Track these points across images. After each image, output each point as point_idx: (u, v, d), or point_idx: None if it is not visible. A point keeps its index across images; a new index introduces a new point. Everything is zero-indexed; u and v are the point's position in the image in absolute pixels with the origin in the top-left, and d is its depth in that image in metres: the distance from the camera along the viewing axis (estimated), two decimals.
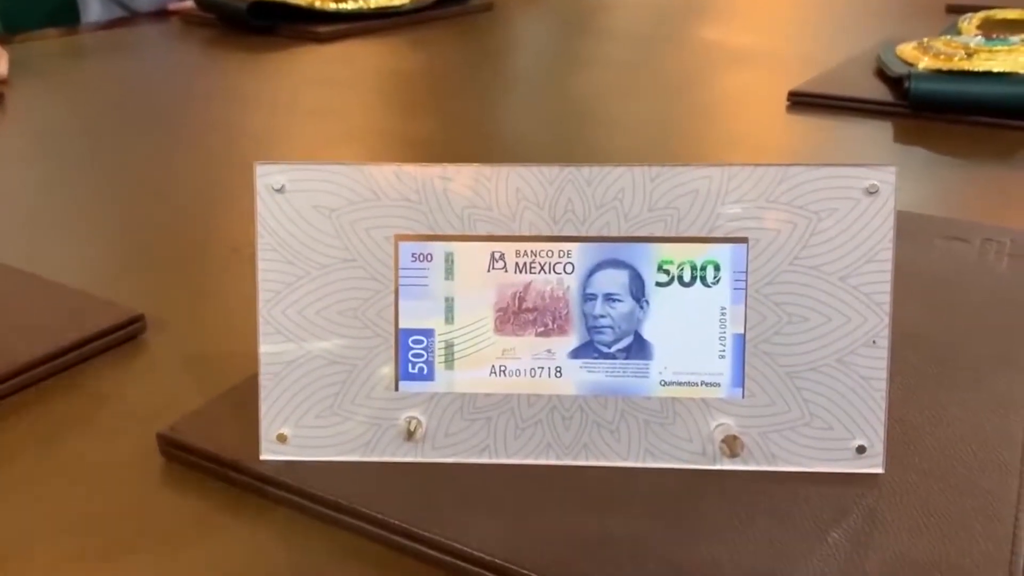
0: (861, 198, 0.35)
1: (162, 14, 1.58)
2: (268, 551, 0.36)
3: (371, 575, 0.34)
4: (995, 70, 0.92)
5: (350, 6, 1.43)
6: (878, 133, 0.91)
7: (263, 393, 0.38)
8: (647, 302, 0.36)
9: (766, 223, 0.36)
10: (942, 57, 0.99)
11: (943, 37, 1.07)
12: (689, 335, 0.36)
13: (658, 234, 0.36)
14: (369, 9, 1.44)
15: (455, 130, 0.97)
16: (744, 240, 0.36)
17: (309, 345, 0.37)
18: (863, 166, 0.35)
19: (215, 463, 0.39)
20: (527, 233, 0.36)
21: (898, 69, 0.99)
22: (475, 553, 0.33)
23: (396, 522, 0.35)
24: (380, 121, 1.04)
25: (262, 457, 0.38)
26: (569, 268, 0.36)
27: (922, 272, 0.55)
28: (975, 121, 0.90)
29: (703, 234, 0.36)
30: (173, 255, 0.64)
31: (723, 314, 0.36)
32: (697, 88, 1.13)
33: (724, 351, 0.36)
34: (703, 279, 0.36)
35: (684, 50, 1.35)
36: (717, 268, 0.36)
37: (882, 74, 1.03)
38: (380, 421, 0.37)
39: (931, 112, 0.91)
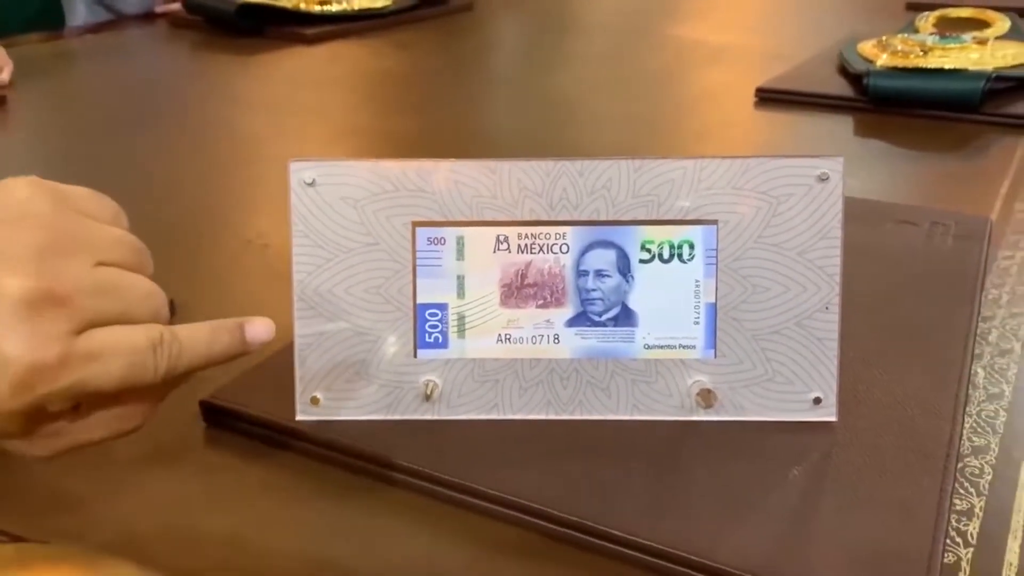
0: (814, 184, 0.41)
1: (149, 17, 1.61)
2: (304, 499, 0.41)
3: (394, 520, 0.40)
4: (946, 67, 0.98)
5: (335, 8, 1.48)
6: (840, 126, 0.98)
7: (298, 362, 0.43)
8: (632, 277, 0.42)
9: (733, 207, 0.41)
10: (899, 54, 1.06)
11: (900, 35, 1.14)
12: (668, 305, 0.42)
13: (641, 218, 0.42)
14: (353, 11, 1.49)
15: (439, 127, 1.02)
16: (714, 222, 0.41)
17: (338, 319, 0.42)
18: (815, 157, 0.41)
19: (255, 424, 0.44)
20: (528, 218, 0.42)
21: (858, 66, 1.06)
22: (485, 490, 0.39)
23: (417, 467, 0.40)
24: (367, 119, 1.09)
25: (298, 418, 0.43)
26: (564, 248, 0.42)
27: (875, 251, 0.61)
28: (929, 115, 0.96)
29: (679, 217, 0.42)
30: (190, 247, 0.69)
31: (697, 286, 0.42)
32: (671, 84, 1.19)
33: (698, 318, 0.42)
34: (680, 256, 0.42)
35: (659, 48, 1.41)
36: (692, 247, 0.42)
37: (844, 71, 1.09)
38: (401, 384, 0.43)
39: (889, 107, 0.98)
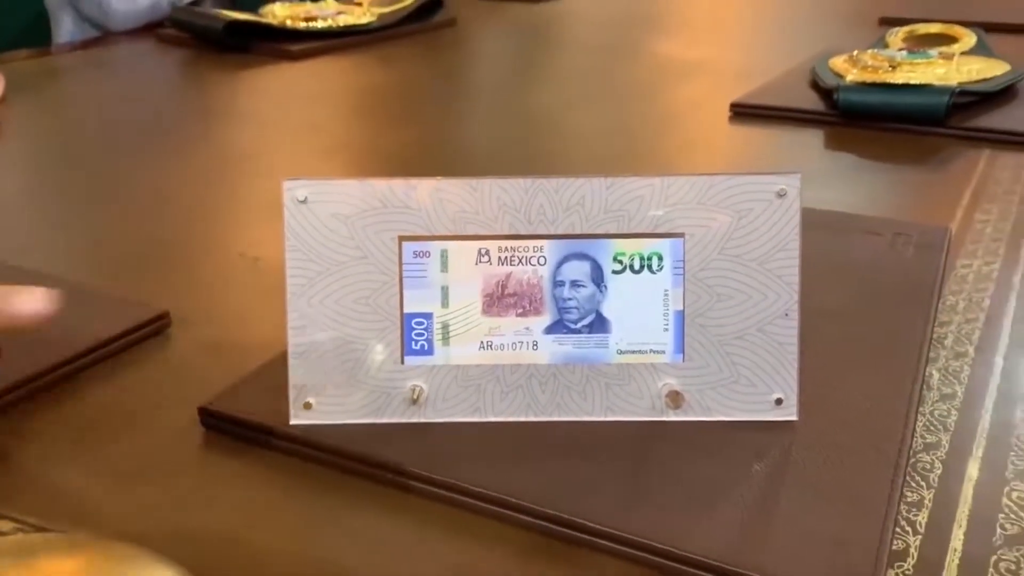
0: (773, 199, 0.44)
1: (135, 33, 1.63)
2: (298, 497, 0.44)
3: (383, 516, 0.42)
4: (913, 82, 1.02)
5: (320, 25, 1.50)
6: (812, 140, 1.01)
7: (291, 369, 0.45)
8: (605, 287, 0.45)
9: (698, 221, 0.44)
10: (869, 70, 1.09)
11: (870, 51, 1.17)
12: (639, 313, 0.45)
13: (613, 231, 0.45)
14: (338, 27, 1.51)
15: (424, 141, 1.05)
16: (681, 235, 0.44)
17: (329, 329, 0.45)
18: (774, 174, 0.44)
19: (251, 429, 0.47)
20: (507, 232, 0.45)
21: (830, 81, 1.09)
22: (469, 487, 0.41)
23: (405, 467, 0.43)
24: (352, 134, 1.12)
25: (292, 422, 0.46)
26: (542, 260, 0.45)
27: (840, 260, 0.64)
28: (897, 128, 0.99)
29: (649, 231, 0.45)
30: (183, 259, 0.72)
31: (666, 295, 0.45)
32: (648, 99, 1.23)
33: (667, 325, 0.45)
34: (649, 267, 0.45)
35: (637, 63, 1.44)
36: (660, 258, 0.45)
37: (816, 85, 1.13)
38: (389, 389, 0.45)
39: (858, 120, 1.01)
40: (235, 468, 0.46)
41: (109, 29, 1.65)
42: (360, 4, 1.64)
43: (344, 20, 1.54)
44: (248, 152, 1.01)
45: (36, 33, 1.82)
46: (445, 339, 0.45)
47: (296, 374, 0.45)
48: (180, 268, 0.70)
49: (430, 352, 0.45)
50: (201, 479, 0.45)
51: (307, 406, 0.46)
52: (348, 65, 1.43)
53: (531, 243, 0.45)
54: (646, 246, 0.45)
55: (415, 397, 0.45)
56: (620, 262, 0.45)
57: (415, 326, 0.45)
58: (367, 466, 0.44)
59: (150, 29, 1.61)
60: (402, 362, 0.45)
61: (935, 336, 0.57)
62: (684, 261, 0.45)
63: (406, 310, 0.45)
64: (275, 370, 0.49)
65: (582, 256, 0.45)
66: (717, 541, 0.38)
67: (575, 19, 1.89)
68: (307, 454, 0.45)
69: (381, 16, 1.59)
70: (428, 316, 0.45)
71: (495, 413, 0.46)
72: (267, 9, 1.57)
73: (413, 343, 0.45)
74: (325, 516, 0.43)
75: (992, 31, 1.51)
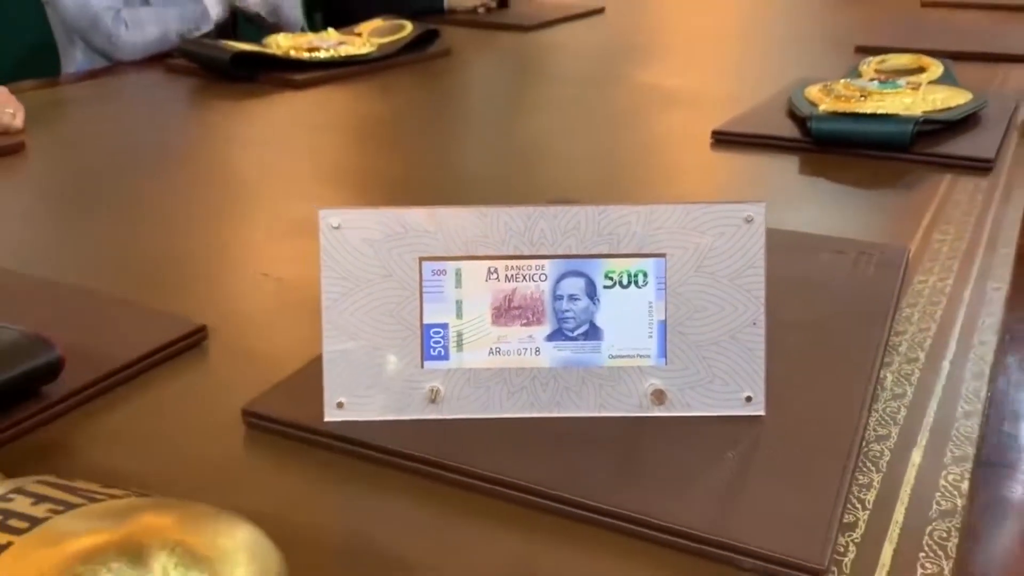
0: (742, 224, 0.51)
1: (144, 63, 1.70)
2: (332, 484, 0.50)
3: (407, 499, 0.49)
4: (880, 112, 1.09)
5: (322, 55, 1.58)
6: (788, 166, 1.09)
7: (326, 372, 0.52)
8: (598, 300, 0.52)
9: (678, 243, 0.51)
10: (841, 99, 1.17)
11: (843, 81, 1.25)
12: (627, 322, 0.52)
13: (604, 252, 0.52)
14: (340, 57, 1.59)
15: (421, 166, 1.12)
16: (663, 255, 0.51)
17: (358, 337, 0.52)
18: (743, 203, 0.51)
19: (289, 426, 0.53)
20: (513, 253, 0.52)
21: (805, 110, 1.17)
22: (481, 472, 0.48)
23: (425, 456, 0.50)
24: (353, 160, 1.19)
25: (326, 419, 0.52)
26: (543, 277, 0.52)
27: (808, 277, 0.71)
28: (866, 154, 1.07)
29: (635, 252, 0.52)
30: (210, 279, 0.78)
31: (650, 307, 0.52)
32: (633, 126, 1.30)
33: (652, 333, 0.52)
34: (636, 283, 0.52)
35: (623, 91, 1.52)
36: (645, 275, 0.52)
37: (792, 114, 1.20)
38: (410, 390, 0.52)
39: (830, 147, 1.09)
40: (275, 459, 0.53)
41: (119, 60, 1.72)
42: (360, 35, 1.71)
43: (345, 50, 1.61)
44: (256, 177, 1.07)
45: (41, 62, 1.89)
46: (459, 346, 0.52)
47: (330, 377, 0.52)
48: (207, 286, 0.77)
49: (446, 357, 0.52)
50: (246, 469, 0.52)
51: (339, 405, 0.52)
52: (349, 93, 1.50)
53: (534, 262, 0.52)
54: (633, 265, 0.52)
55: (433, 397, 0.52)
56: (611, 279, 0.52)
57: (433, 335, 0.52)
58: (392, 456, 0.51)
59: (159, 59, 1.68)
60: (422, 366, 0.52)
61: (890, 344, 0.64)
62: (666, 278, 0.52)
63: (425, 321, 0.52)
64: (306, 376, 0.56)
65: (578, 273, 0.52)
66: (694, 515, 0.45)
67: (563, 48, 1.97)
68: (339, 447, 0.52)
69: (380, 46, 1.66)
70: (444, 326, 0.52)
71: (503, 410, 0.52)
72: (271, 40, 1.64)
73: (431, 350, 0.52)
74: (356, 499, 0.49)
75: (960, 59, 1.59)
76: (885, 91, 1.18)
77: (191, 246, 0.85)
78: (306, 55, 1.58)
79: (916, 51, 1.53)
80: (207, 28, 1.74)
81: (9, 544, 0.30)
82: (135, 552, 0.30)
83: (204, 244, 0.86)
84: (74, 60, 1.80)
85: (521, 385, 0.52)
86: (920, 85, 1.23)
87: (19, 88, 1.48)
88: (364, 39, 1.68)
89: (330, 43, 1.63)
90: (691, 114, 1.33)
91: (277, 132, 1.29)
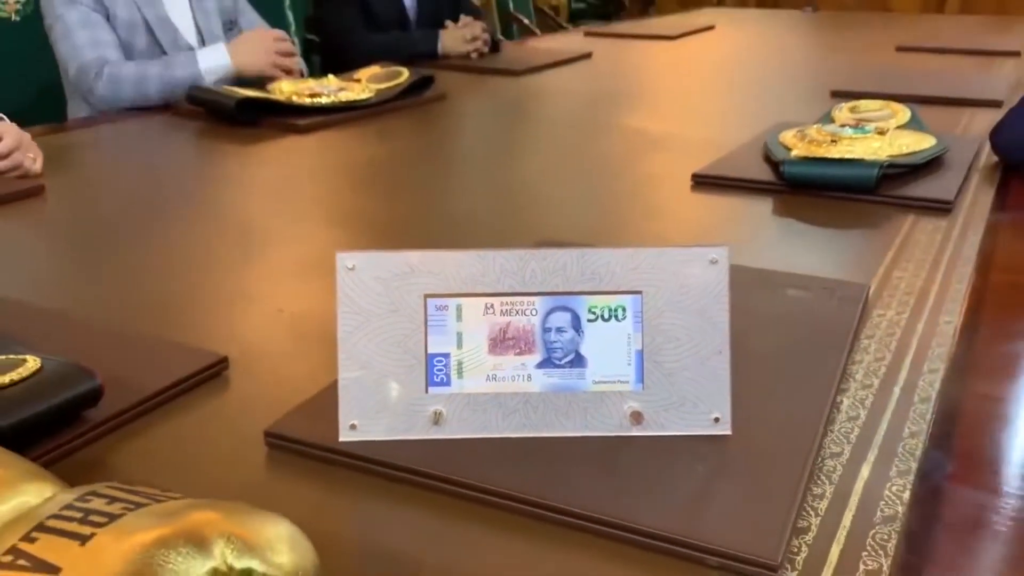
0: (708, 265, 0.58)
1: (150, 109, 1.76)
2: (348, 498, 0.57)
3: (414, 509, 0.55)
4: (848, 156, 1.17)
5: (324, 101, 1.66)
6: (762, 207, 1.16)
7: (341, 397, 0.59)
8: (583, 332, 0.59)
9: (652, 282, 0.58)
10: (813, 144, 1.25)
11: (816, 126, 1.33)
12: (609, 352, 0.59)
13: (588, 290, 0.58)
14: (340, 103, 1.67)
15: (418, 208, 1.19)
16: (639, 292, 0.58)
17: (370, 366, 0.59)
18: (708, 247, 0.58)
19: (308, 446, 0.60)
20: (507, 291, 0.58)
21: (779, 154, 1.25)
22: (479, 484, 0.55)
23: (429, 471, 0.56)
24: (356, 202, 1.26)
25: (340, 439, 0.59)
26: (534, 312, 0.59)
27: (774, 312, 0.78)
28: (834, 196, 1.15)
29: (615, 289, 0.58)
30: (229, 314, 0.85)
31: (629, 339, 0.59)
32: (619, 169, 1.38)
33: (630, 361, 0.59)
34: (616, 317, 0.59)
35: (609, 135, 1.60)
36: (624, 310, 0.59)
37: (768, 158, 1.28)
38: (416, 412, 0.59)
39: (802, 190, 1.16)
40: (295, 476, 0.59)
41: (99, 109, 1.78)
42: (359, 81, 1.79)
43: (345, 96, 1.69)
44: (264, 218, 1.14)
45: (46, 107, 1.96)
46: (460, 373, 0.59)
47: (344, 401, 0.59)
48: (226, 320, 0.83)
49: (448, 383, 0.59)
50: (269, 483, 0.58)
51: (353, 427, 0.59)
52: (349, 137, 1.58)
53: (525, 299, 0.59)
54: (613, 301, 0.59)
55: (436, 419, 0.59)
56: (594, 313, 0.59)
57: (436, 363, 0.59)
58: (401, 472, 0.57)
59: (166, 105, 1.75)
60: (426, 391, 0.59)
61: (848, 371, 0.71)
62: (642, 312, 0.59)
63: (429, 351, 0.59)
64: (321, 401, 0.62)
65: (564, 308, 0.59)
66: (668, 520, 0.51)
67: (552, 92, 2.06)
68: (353, 464, 0.58)
69: (378, 92, 1.74)
70: (446, 355, 0.59)
71: (499, 430, 0.59)
72: (274, 85, 1.72)
73: (435, 376, 0.59)
74: (369, 510, 0.56)
75: (929, 103, 1.69)
76: (855, 136, 1.26)
77: (208, 284, 0.92)
78: (308, 100, 1.65)
79: (888, 96, 1.62)
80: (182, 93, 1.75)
81: (92, 535, 0.36)
82: (198, 540, 0.36)
83: (220, 282, 0.93)
84: (81, 105, 1.87)
85: (515, 408, 0.59)
86: (887, 131, 1.32)
87: (30, 132, 1.56)
88: (363, 85, 1.76)
89: (331, 89, 1.71)
90: (673, 158, 1.41)
91: (282, 175, 1.37)
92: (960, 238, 1.02)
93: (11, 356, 0.64)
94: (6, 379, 0.60)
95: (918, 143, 1.27)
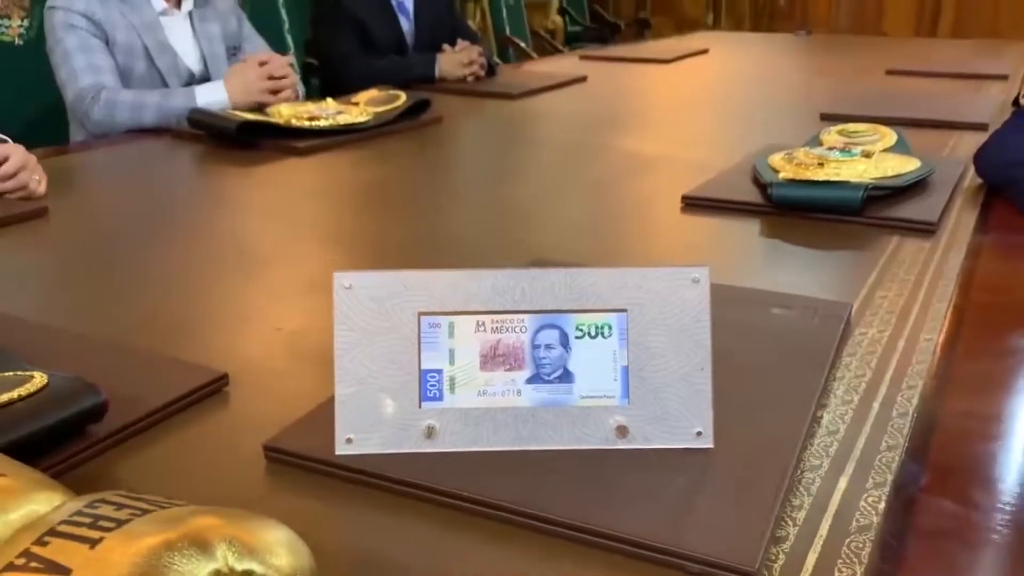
0: (690, 284, 0.60)
1: (151, 132, 1.79)
2: (343, 508, 0.59)
3: (409, 518, 0.57)
4: (833, 179, 1.20)
5: (323, 124, 1.69)
6: (750, 228, 1.19)
7: (337, 412, 0.61)
8: (570, 349, 0.61)
9: (637, 301, 0.61)
10: (801, 166, 1.27)
11: (803, 149, 1.36)
12: (595, 368, 0.61)
13: (575, 308, 0.61)
14: (339, 126, 1.70)
15: (415, 228, 1.22)
16: (625, 311, 0.61)
17: (366, 381, 0.61)
18: (691, 267, 0.61)
19: (306, 459, 0.62)
20: (498, 309, 0.61)
21: (767, 176, 1.27)
22: (470, 495, 0.57)
23: (422, 483, 0.58)
24: (353, 222, 1.28)
25: (337, 452, 0.61)
26: (524, 329, 0.61)
27: (758, 329, 0.81)
28: (821, 218, 1.17)
29: (601, 307, 0.61)
30: (231, 333, 0.87)
31: (614, 355, 0.61)
32: (612, 191, 1.41)
33: (616, 377, 0.61)
34: (602, 334, 0.61)
35: (602, 157, 1.63)
36: (610, 328, 0.61)
37: (756, 180, 1.31)
38: (410, 426, 0.61)
39: (789, 211, 1.19)
40: (293, 488, 0.61)
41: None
42: (357, 104, 1.82)
43: (343, 119, 1.72)
44: (263, 239, 1.17)
45: (49, 130, 1.98)
46: (452, 388, 0.61)
47: (341, 416, 0.61)
48: (226, 339, 0.86)
49: (440, 398, 0.61)
50: (268, 494, 0.61)
51: (349, 440, 0.61)
52: (347, 159, 1.61)
53: (516, 317, 0.61)
54: (599, 319, 0.61)
55: (429, 433, 0.61)
56: (581, 330, 0.61)
57: (429, 379, 0.61)
58: (395, 483, 0.59)
59: (168, 129, 1.78)
60: (419, 406, 0.61)
61: (829, 388, 0.73)
62: (627, 330, 0.61)
63: (423, 367, 0.61)
64: (318, 416, 0.65)
65: (553, 326, 0.61)
66: (649, 527, 0.54)
67: (547, 115, 2.09)
68: (348, 477, 0.61)
69: (376, 115, 1.77)
70: (439, 371, 0.61)
71: (490, 444, 0.61)
72: (273, 108, 1.75)
73: (428, 391, 0.61)
74: (365, 520, 0.58)
75: (917, 126, 1.72)
76: (841, 159, 1.29)
77: (208, 303, 0.94)
78: (307, 123, 1.68)
79: (876, 119, 1.65)
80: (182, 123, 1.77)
81: (101, 539, 0.39)
82: (202, 543, 0.38)
83: (220, 301, 0.95)
84: (82, 128, 1.90)
85: (505, 422, 0.61)
86: (873, 153, 1.35)
87: (40, 154, 1.58)
88: (361, 108, 1.79)
89: (329, 112, 1.74)
90: (664, 179, 1.44)
91: (281, 196, 1.39)
92: (943, 259, 1.05)
93: (18, 372, 0.66)
94: (14, 394, 0.62)
95: (903, 166, 1.30)
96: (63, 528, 0.39)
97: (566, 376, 0.61)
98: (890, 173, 1.26)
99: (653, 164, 1.55)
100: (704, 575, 0.51)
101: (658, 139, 1.81)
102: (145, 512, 0.41)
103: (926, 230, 1.13)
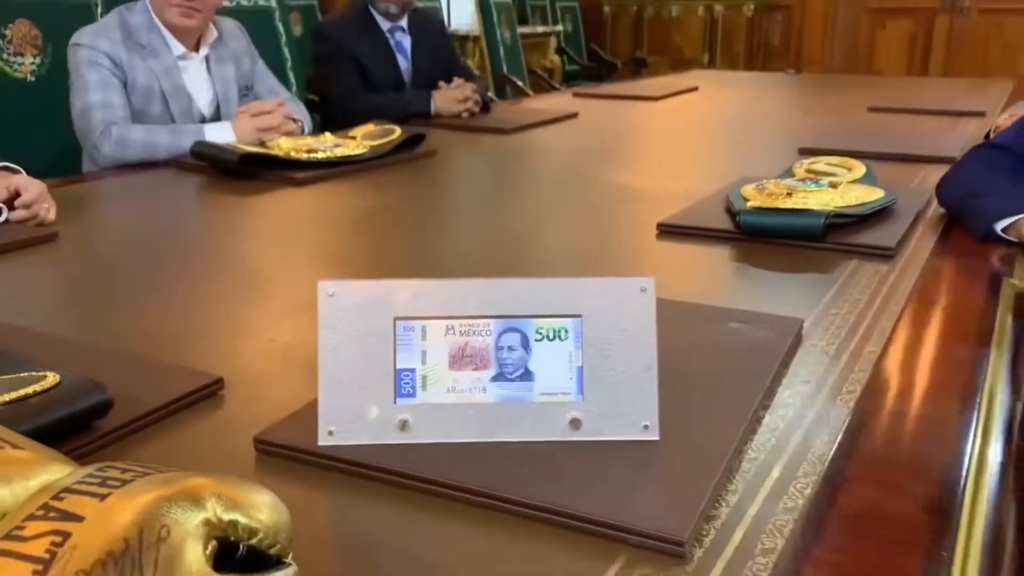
0: (639, 294, 0.67)
1: (157, 164, 1.87)
2: (324, 493, 0.65)
3: (386, 503, 0.64)
4: (798, 207, 1.27)
5: (321, 155, 1.77)
6: (720, 253, 1.26)
7: (320, 407, 0.68)
8: (531, 350, 0.68)
9: (591, 308, 0.68)
10: (770, 196, 1.35)
11: (774, 180, 1.44)
12: (553, 368, 0.68)
13: (535, 313, 0.68)
14: (336, 157, 1.78)
15: (409, 253, 1.29)
16: (580, 316, 0.68)
17: (346, 379, 0.68)
18: (639, 277, 0.68)
19: (292, 450, 0.68)
20: (466, 314, 0.68)
21: (737, 205, 1.35)
22: (441, 480, 0.63)
23: (396, 469, 0.65)
24: (349, 248, 1.36)
25: (320, 444, 0.67)
26: (489, 332, 0.68)
27: (714, 342, 0.87)
28: (786, 243, 1.24)
29: (559, 313, 0.68)
30: (228, 344, 0.94)
31: (570, 356, 0.68)
32: (593, 219, 1.48)
33: (572, 376, 0.68)
34: (559, 337, 0.68)
35: (587, 188, 1.70)
36: (566, 331, 0.68)
37: (728, 209, 1.38)
38: (386, 420, 0.68)
39: (756, 238, 1.26)
40: (281, 475, 0.67)
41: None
42: (354, 138, 1.91)
43: (341, 151, 1.80)
44: (262, 262, 1.24)
45: (60, 162, 2.07)
46: (424, 386, 0.68)
47: (323, 410, 0.68)
48: (223, 349, 0.92)
49: (414, 395, 0.68)
50: (257, 482, 0.67)
51: (330, 433, 0.68)
52: (343, 189, 1.68)
53: (482, 321, 0.68)
54: (557, 324, 0.68)
55: (403, 426, 0.67)
56: (540, 334, 0.68)
57: (404, 377, 0.68)
58: (372, 471, 0.66)
59: (173, 160, 1.86)
60: (395, 402, 0.68)
61: (774, 391, 0.80)
62: (582, 334, 0.68)
63: (398, 367, 0.68)
64: (302, 414, 0.71)
65: (515, 330, 0.68)
66: (597, 507, 0.60)
67: (538, 149, 2.17)
68: (329, 465, 0.67)
69: (372, 148, 1.86)
70: (412, 371, 0.68)
71: (458, 436, 0.68)
72: (274, 142, 1.83)
73: (402, 389, 0.68)
74: (344, 503, 0.64)
75: (891, 160, 1.80)
76: (809, 189, 1.37)
77: (207, 318, 1.01)
78: (305, 155, 1.76)
79: (851, 153, 1.73)
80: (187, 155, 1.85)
81: (109, 494, 0.45)
82: (194, 497, 0.45)
83: (219, 316, 1.02)
84: (94, 160, 1.98)
85: (472, 416, 0.68)
86: (840, 184, 1.42)
87: (47, 185, 1.66)
88: (358, 141, 1.88)
89: (327, 145, 1.82)
90: (643, 208, 1.51)
91: (280, 223, 1.47)
92: (897, 280, 1.11)
93: (32, 373, 0.73)
94: (29, 390, 0.69)
95: (868, 195, 1.37)
96: (76, 487, 0.46)
97: (527, 375, 0.68)
98: (854, 202, 1.34)
99: (635, 195, 1.63)
100: (641, 546, 0.58)
101: (642, 171, 1.89)
102: (146, 475, 0.47)
103: (884, 255, 1.20)
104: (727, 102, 3.10)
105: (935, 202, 1.45)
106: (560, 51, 5.68)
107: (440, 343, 0.68)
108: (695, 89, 3.24)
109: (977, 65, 5.92)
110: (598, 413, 0.68)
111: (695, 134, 2.43)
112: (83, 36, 1.90)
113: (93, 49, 1.87)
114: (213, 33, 2.04)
